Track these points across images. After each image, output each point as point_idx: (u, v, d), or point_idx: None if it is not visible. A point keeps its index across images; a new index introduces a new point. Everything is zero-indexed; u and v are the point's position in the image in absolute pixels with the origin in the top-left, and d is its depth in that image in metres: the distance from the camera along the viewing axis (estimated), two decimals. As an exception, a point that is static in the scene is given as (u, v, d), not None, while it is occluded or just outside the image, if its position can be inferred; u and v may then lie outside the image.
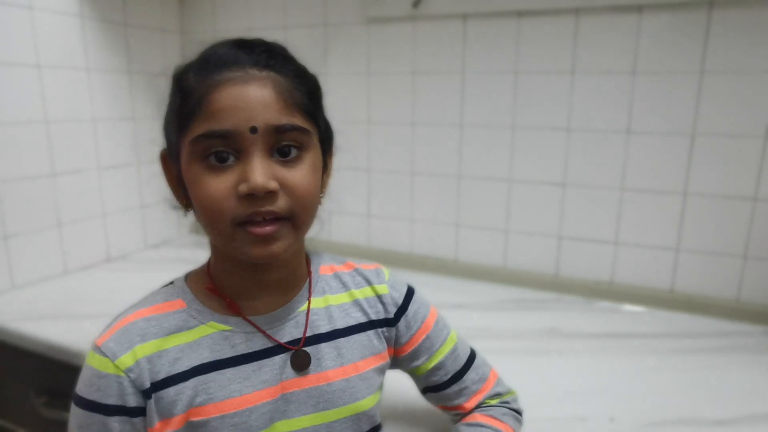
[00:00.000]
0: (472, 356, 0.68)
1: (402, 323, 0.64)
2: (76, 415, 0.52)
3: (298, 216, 0.52)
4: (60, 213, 1.28)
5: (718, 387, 0.85)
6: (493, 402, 0.67)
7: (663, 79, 1.07)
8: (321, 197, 0.57)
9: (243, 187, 0.49)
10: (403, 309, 0.64)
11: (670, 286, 1.15)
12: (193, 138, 0.50)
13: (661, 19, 1.06)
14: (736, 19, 1.00)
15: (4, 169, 1.15)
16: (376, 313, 0.63)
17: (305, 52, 0.58)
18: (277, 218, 0.50)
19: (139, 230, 1.50)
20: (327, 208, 0.60)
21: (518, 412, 0.68)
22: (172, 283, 0.59)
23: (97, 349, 0.52)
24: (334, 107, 0.64)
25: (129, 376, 0.51)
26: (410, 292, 0.66)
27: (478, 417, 0.65)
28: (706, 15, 1.02)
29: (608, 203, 1.17)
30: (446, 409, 0.68)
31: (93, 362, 0.52)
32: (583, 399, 0.81)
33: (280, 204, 0.50)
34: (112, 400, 0.51)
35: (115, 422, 0.51)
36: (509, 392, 0.69)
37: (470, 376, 0.66)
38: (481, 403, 0.67)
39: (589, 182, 1.18)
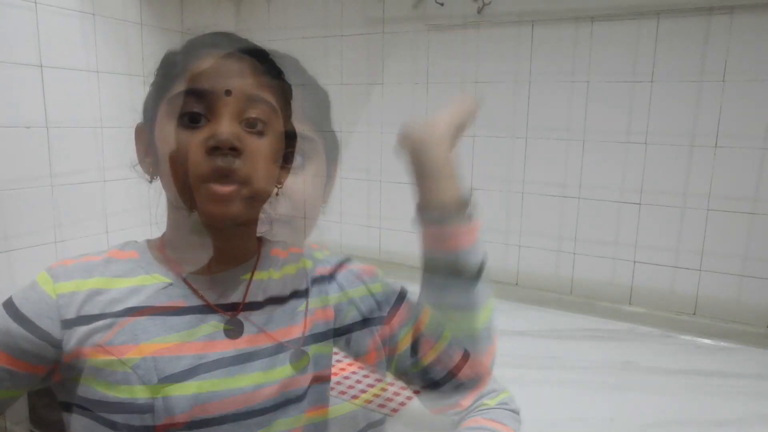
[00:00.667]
0: (467, 354, 0.68)
1: (396, 321, 0.64)
2: None
3: (253, 184, 0.53)
4: (60, 213, 1.28)
5: (718, 387, 0.85)
6: (491, 403, 0.67)
7: (662, 82, 1.08)
8: (323, 207, 0.58)
9: (210, 141, 0.51)
10: (396, 308, 0.64)
11: (670, 287, 1.15)
12: (170, 97, 0.53)
13: (662, 24, 1.06)
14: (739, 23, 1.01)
15: (4, 169, 1.15)
16: (370, 312, 0.63)
17: (305, 53, 0.58)
18: (236, 181, 0.52)
19: (139, 231, 1.51)
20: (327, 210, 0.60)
21: (516, 412, 0.69)
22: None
23: (49, 269, 0.55)
24: (333, 108, 0.64)
25: (58, 302, 0.53)
26: (403, 292, 0.66)
27: (479, 420, 0.65)
28: (706, 20, 1.02)
29: (611, 208, 1.17)
30: (443, 410, 0.69)
31: (38, 278, 0.55)
32: (583, 399, 0.81)
33: (239, 166, 0.52)
34: (30, 313, 0.53)
35: (19, 332, 0.53)
36: (504, 391, 0.70)
37: (466, 372, 0.67)
38: (479, 403, 0.67)
39: (591, 185, 1.18)
